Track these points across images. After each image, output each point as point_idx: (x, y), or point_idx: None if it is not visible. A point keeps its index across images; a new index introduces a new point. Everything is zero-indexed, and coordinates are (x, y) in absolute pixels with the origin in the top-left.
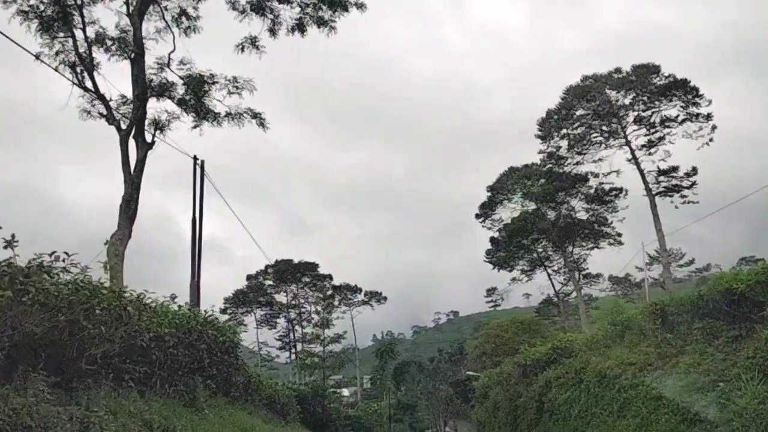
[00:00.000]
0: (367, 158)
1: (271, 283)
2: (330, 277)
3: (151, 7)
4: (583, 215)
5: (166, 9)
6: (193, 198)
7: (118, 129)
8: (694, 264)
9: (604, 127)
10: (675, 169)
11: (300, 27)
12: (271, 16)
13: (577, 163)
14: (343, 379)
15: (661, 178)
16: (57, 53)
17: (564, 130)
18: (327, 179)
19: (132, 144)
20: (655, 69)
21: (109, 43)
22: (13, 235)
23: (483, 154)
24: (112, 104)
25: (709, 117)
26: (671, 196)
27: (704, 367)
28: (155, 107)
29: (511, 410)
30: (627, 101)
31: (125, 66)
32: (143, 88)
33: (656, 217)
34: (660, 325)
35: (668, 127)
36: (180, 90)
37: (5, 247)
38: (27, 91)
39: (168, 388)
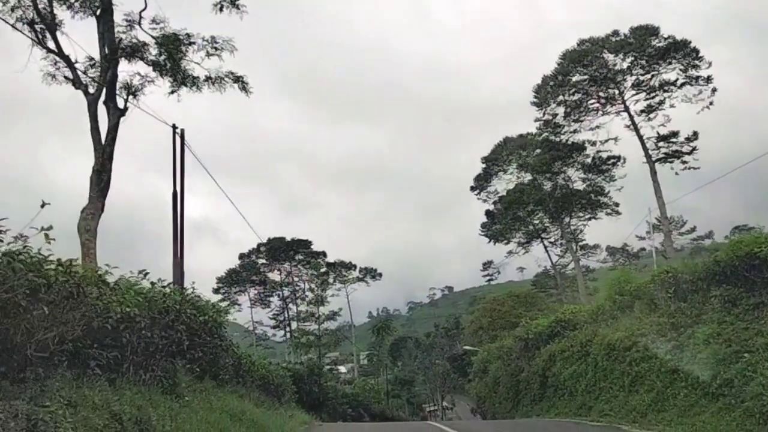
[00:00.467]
0: (361, 137)
1: (264, 261)
2: (324, 254)
3: None
4: (580, 185)
5: None
6: (173, 169)
7: (86, 93)
8: (695, 232)
9: (601, 93)
10: (675, 134)
11: None
12: None
13: (574, 131)
14: (339, 356)
15: (661, 143)
16: (13, 8)
17: (560, 97)
18: (320, 158)
19: (103, 111)
20: (654, 31)
21: None
22: None
23: (476, 131)
24: (79, 67)
25: (709, 80)
26: (671, 162)
27: (725, 338)
28: (127, 70)
29: (513, 385)
30: (625, 65)
31: (91, 24)
32: (112, 48)
33: (656, 183)
34: (672, 293)
35: (667, 91)
36: (153, 51)
37: None
38: None
39: (144, 374)
